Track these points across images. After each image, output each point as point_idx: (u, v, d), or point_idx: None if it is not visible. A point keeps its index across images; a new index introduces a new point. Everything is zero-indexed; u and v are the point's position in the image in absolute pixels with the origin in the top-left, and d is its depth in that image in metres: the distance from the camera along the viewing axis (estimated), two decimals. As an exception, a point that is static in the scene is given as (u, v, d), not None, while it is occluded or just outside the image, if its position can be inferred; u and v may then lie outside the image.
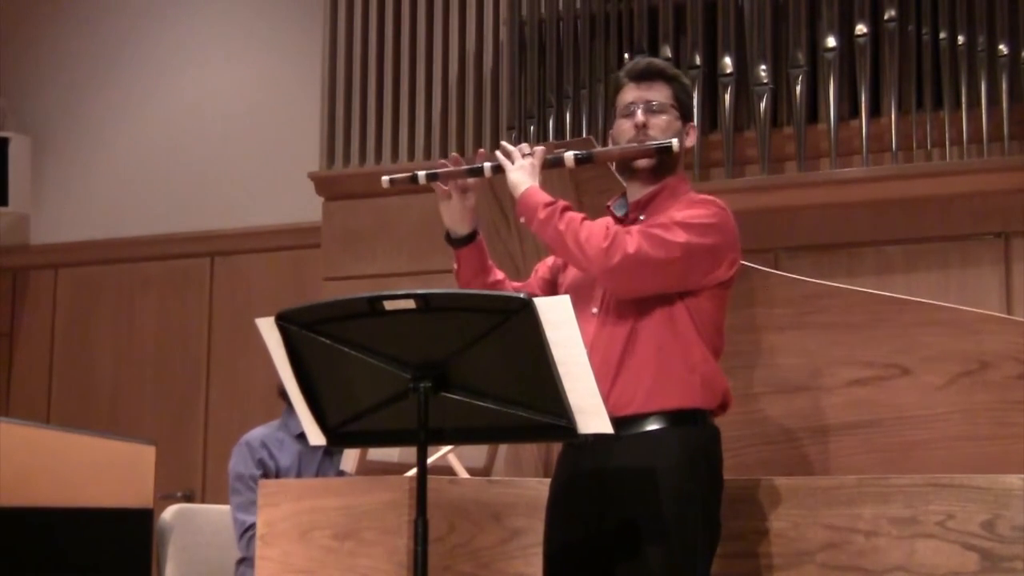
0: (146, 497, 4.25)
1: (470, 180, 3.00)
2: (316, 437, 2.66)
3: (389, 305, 2.46)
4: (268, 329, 2.57)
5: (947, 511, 2.85)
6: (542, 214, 2.86)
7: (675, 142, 2.90)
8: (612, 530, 2.78)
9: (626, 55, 6.11)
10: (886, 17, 5.68)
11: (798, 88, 5.78)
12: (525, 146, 2.97)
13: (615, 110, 3.02)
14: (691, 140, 3.01)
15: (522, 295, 2.44)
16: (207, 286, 7.23)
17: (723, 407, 2.91)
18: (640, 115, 2.93)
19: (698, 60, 5.96)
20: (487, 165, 2.97)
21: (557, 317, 2.43)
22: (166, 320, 7.28)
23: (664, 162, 2.93)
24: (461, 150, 6.39)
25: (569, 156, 2.95)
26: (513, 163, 2.93)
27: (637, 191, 2.97)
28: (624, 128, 2.96)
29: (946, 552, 2.84)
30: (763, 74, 5.85)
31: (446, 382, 2.49)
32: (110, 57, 7.61)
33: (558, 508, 2.90)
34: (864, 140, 5.67)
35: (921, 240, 5.66)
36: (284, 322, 2.54)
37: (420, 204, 6.28)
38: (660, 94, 2.95)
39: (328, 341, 2.52)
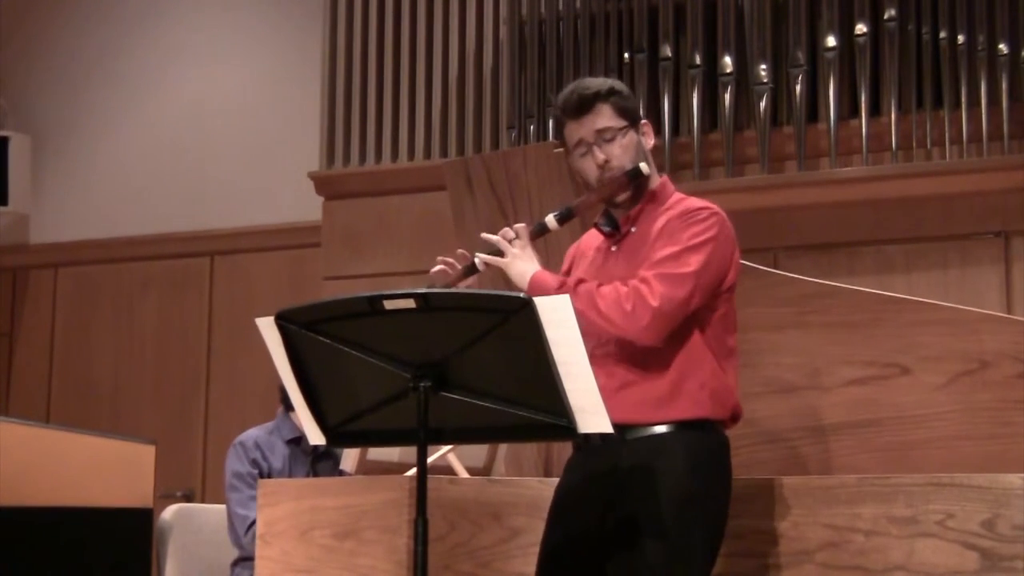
0: (146, 497, 4.25)
1: (469, 280, 2.94)
2: (316, 437, 2.66)
3: (389, 304, 2.46)
4: (268, 329, 2.56)
5: (947, 511, 2.85)
6: None
7: (643, 165, 2.88)
8: (612, 530, 2.78)
9: (626, 55, 6.12)
10: (886, 17, 5.68)
11: (798, 88, 5.78)
12: (508, 231, 2.91)
13: (566, 146, 2.97)
14: (650, 138, 2.97)
15: (522, 295, 2.44)
16: (207, 286, 7.23)
17: (733, 419, 2.90)
18: (598, 153, 2.89)
19: (698, 60, 5.96)
20: (478, 260, 2.90)
21: (557, 317, 2.42)
22: (166, 320, 7.27)
23: (641, 184, 2.91)
24: (461, 150, 6.40)
25: (551, 220, 2.92)
26: (506, 255, 2.88)
27: (626, 211, 2.96)
28: (588, 169, 2.92)
29: (946, 552, 2.84)
30: (763, 74, 5.85)
31: (446, 382, 2.49)
32: (110, 57, 7.61)
33: (561, 509, 2.90)
34: (864, 140, 5.67)
35: (921, 240, 5.66)
36: (284, 321, 2.54)
37: (420, 204, 6.29)
38: (603, 118, 2.89)
39: (328, 340, 2.51)
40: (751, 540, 3.01)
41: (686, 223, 2.84)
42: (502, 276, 2.91)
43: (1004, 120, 5.51)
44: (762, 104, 5.83)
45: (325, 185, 6.66)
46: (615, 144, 2.89)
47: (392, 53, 6.65)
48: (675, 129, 6.01)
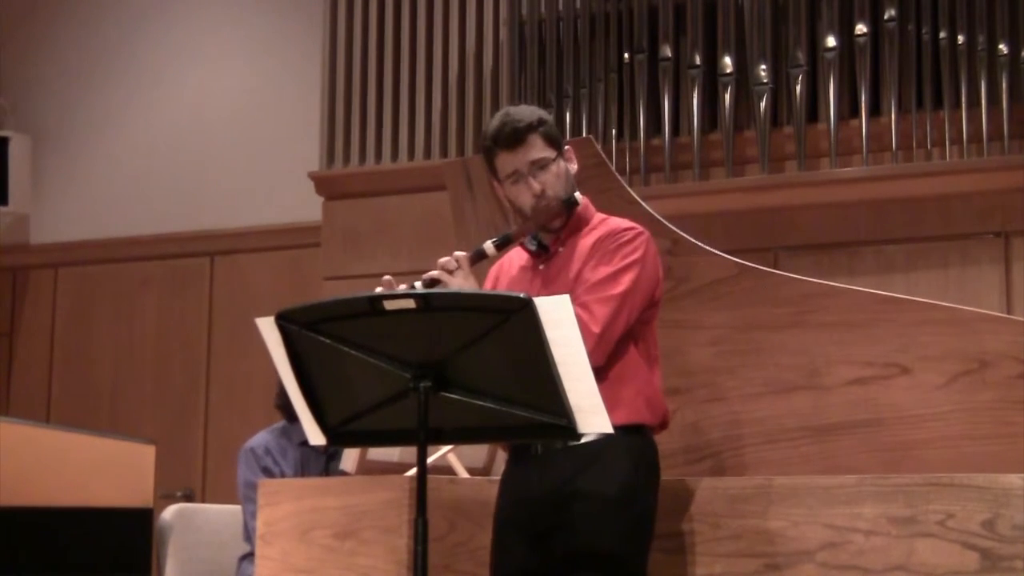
0: (146, 497, 4.26)
1: None
2: (316, 437, 2.66)
3: (389, 305, 2.46)
4: (268, 329, 2.56)
5: (947, 511, 2.85)
6: None
7: (578, 194, 3.00)
8: (562, 537, 2.85)
9: (626, 55, 6.11)
10: (886, 17, 5.68)
11: (798, 88, 5.78)
12: (449, 261, 2.95)
13: (494, 173, 3.04)
14: (574, 163, 3.07)
15: (522, 295, 2.45)
16: (207, 286, 7.23)
17: (662, 426, 3.03)
18: (534, 183, 2.97)
19: (698, 60, 5.96)
20: (418, 284, 2.92)
21: (557, 317, 2.43)
22: (166, 320, 7.27)
23: (573, 210, 3.02)
24: (461, 150, 6.40)
25: (489, 246, 2.99)
26: (448, 285, 2.93)
27: (557, 235, 3.05)
28: (522, 197, 2.99)
29: (946, 552, 2.84)
30: (763, 74, 5.85)
31: (446, 382, 2.50)
32: (110, 57, 7.61)
33: (510, 523, 2.98)
34: (864, 140, 5.67)
35: (921, 240, 5.66)
36: (284, 322, 2.54)
37: (420, 204, 6.29)
38: (535, 149, 2.97)
39: (328, 341, 2.52)
40: (751, 540, 3.01)
41: (616, 244, 2.96)
42: None
43: (1004, 120, 5.51)
44: (762, 104, 5.83)
45: (325, 185, 6.66)
46: (548, 172, 2.99)
47: (392, 53, 6.65)
48: (675, 129, 6.01)
